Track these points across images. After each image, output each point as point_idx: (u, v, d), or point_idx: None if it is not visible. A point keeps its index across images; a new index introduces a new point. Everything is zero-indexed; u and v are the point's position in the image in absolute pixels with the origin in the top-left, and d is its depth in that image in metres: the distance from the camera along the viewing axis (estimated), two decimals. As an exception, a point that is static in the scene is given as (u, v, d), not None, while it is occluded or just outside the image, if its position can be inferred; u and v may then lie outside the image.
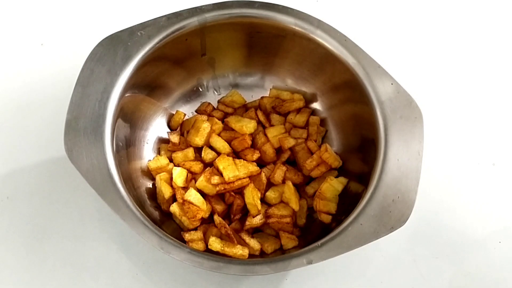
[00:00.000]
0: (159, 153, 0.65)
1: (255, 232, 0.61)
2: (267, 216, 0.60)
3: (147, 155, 0.65)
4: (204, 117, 0.65)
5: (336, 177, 0.62)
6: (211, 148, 0.63)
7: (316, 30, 0.61)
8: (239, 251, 0.55)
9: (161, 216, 0.60)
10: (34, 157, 0.68)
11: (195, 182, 0.59)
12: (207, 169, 0.61)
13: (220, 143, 0.62)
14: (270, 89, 0.70)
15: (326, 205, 0.60)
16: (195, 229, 0.58)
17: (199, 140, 0.62)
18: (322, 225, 0.60)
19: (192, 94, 0.70)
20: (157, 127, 0.67)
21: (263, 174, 0.61)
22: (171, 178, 0.60)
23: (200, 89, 0.70)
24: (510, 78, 0.79)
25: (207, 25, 0.61)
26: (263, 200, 0.61)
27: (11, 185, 0.66)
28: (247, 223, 0.59)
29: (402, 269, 0.64)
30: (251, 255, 0.56)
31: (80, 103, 0.54)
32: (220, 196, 0.61)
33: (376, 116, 0.57)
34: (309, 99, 0.69)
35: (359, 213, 0.53)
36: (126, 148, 0.60)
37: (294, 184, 0.62)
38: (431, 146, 0.60)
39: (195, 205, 0.57)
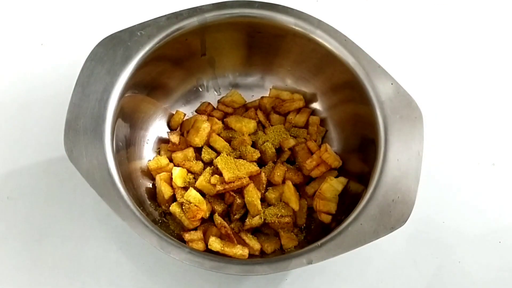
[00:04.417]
0: (159, 153, 0.65)
1: (255, 232, 0.61)
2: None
3: (147, 155, 0.65)
4: (204, 117, 0.65)
5: (336, 177, 0.62)
6: (211, 148, 0.63)
7: (316, 30, 0.61)
8: (239, 251, 0.55)
9: (161, 216, 0.61)
10: (34, 157, 0.67)
11: (195, 182, 0.59)
12: (207, 169, 0.61)
13: (220, 143, 0.62)
14: (270, 89, 0.70)
15: (326, 205, 0.60)
16: (195, 229, 0.58)
17: (199, 140, 0.62)
18: (322, 225, 0.60)
19: (192, 94, 0.70)
20: (157, 127, 0.66)
21: (263, 174, 0.61)
22: (171, 178, 0.60)
23: (200, 89, 0.70)
24: (510, 78, 0.79)
25: (207, 25, 0.61)
26: (263, 200, 0.61)
27: (11, 185, 0.66)
28: (247, 223, 0.59)
29: (402, 269, 0.64)
30: (251, 255, 0.56)
31: (80, 103, 0.54)
32: (220, 196, 0.61)
33: (376, 116, 0.57)
34: (309, 99, 0.69)
35: (359, 213, 0.53)
36: (126, 148, 0.60)
37: (294, 184, 0.62)
38: (431, 146, 0.60)
39: (195, 205, 0.57)
